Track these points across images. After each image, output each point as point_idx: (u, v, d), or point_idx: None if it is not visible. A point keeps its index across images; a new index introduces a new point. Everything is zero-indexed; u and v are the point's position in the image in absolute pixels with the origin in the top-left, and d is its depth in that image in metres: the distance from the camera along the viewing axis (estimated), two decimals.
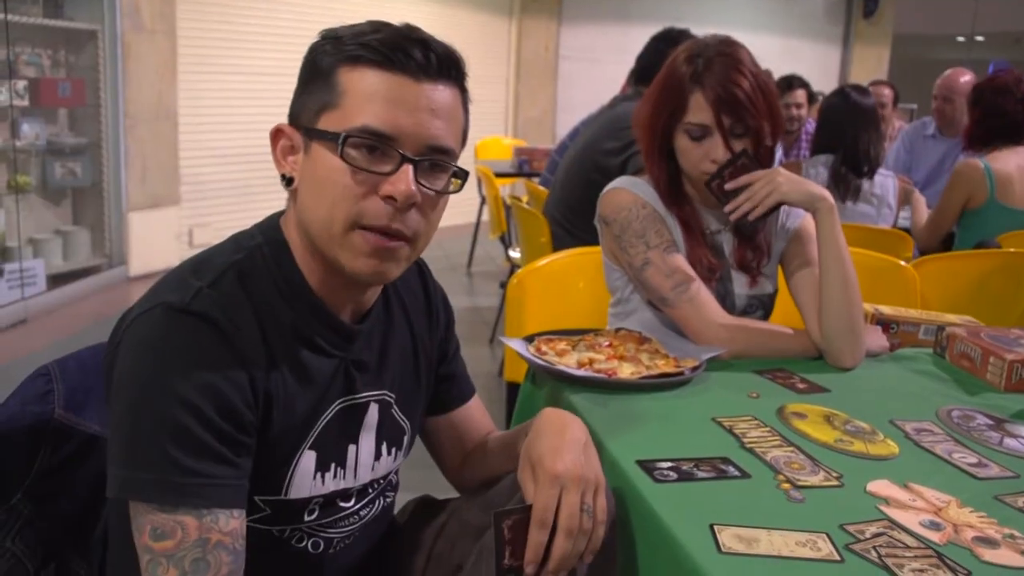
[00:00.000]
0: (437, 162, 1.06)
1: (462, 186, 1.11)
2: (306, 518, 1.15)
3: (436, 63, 1.04)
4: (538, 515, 1.02)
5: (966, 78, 4.38)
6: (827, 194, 1.65)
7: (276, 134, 1.10)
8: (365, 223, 1.03)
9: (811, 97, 5.05)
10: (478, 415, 1.41)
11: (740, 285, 1.78)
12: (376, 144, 1.02)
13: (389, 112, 1.02)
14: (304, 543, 1.17)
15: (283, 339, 1.07)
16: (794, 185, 1.64)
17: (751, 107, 1.62)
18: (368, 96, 1.02)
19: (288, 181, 1.09)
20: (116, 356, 1.02)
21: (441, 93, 1.05)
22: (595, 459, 1.10)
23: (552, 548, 1.02)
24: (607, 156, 3.14)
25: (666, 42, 3.25)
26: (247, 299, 1.05)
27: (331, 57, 1.04)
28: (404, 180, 1.02)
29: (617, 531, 1.11)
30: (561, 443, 1.08)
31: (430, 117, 1.04)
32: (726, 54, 1.65)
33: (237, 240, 1.12)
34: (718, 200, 1.67)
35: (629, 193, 1.74)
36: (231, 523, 0.99)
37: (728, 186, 1.65)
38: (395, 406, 1.23)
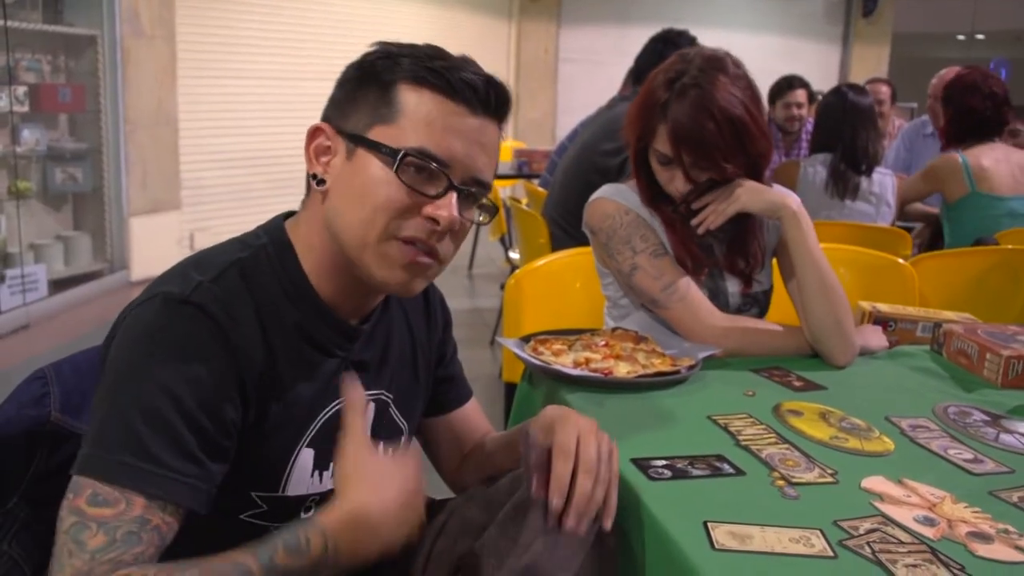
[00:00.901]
0: (476, 195, 1.09)
1: (490, 221, 1.15)
2: (302, 516, 1.15)
3: (495, 101, 1.08)
4: (560, 448, 1.04)
5: None
6: (789, 201, 1.65)
7: (315, 132, 1.10)
8: (403, 236, 1.06)
9: (811, 97, 5.04)
10: (476, 417, 1.42)
11: (734, 284, 1.78)
12: (428, 167, 1.04)
13: (446, 139, 1.05)
14: None
15: (285, 337, 1.08)
16: (754, 194, 1.64)
17: (713, 148, 1.60)
18: (427, 119, 1.04)
19: (319, 181, 1.09)
20: (111, 345, 1.03)
21: (491, 130, 1.09)
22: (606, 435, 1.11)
23: (574, 485, 1.03)
24: (605, 157, 3.14)
25: (664, 43, 3.26)
26: (249, 296, 1.06)
27: (392, 72, 1.06)
28: (449, 207, 1.05)
29: (617, 546, 1.11)
30: (576, 417, 1.10)
31: (480, 151, 1.07)
32: (700, 86, 1.61)
33: (241, 240, 1.13)
34: (687, 221, 1.69)
35: (611, 202, 1.75)
36: (173, 518, 0.97)
37: (694, 206, 1.67)
38: (392, 406, 1.24)
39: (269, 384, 1.06)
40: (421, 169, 1.04)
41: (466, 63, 1.08)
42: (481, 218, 1.12)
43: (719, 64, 1.64)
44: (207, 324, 1.00)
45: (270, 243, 1.11)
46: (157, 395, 0.96)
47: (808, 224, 1.67)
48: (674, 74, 1.65)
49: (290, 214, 1.17)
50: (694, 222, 1.67)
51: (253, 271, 1.08)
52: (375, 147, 1.05)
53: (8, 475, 1.16)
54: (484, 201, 1.12)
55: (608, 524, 1.06)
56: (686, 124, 1.60)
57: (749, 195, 1.64)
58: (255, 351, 1.04)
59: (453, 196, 1.06)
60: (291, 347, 1.09)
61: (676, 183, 1.66)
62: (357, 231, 1.06)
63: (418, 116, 1.04)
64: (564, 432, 1.06)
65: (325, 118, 1.11)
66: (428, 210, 1.05)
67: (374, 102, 1.06)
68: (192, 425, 0.97)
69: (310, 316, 1.10)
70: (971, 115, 3.31)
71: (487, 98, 1.07)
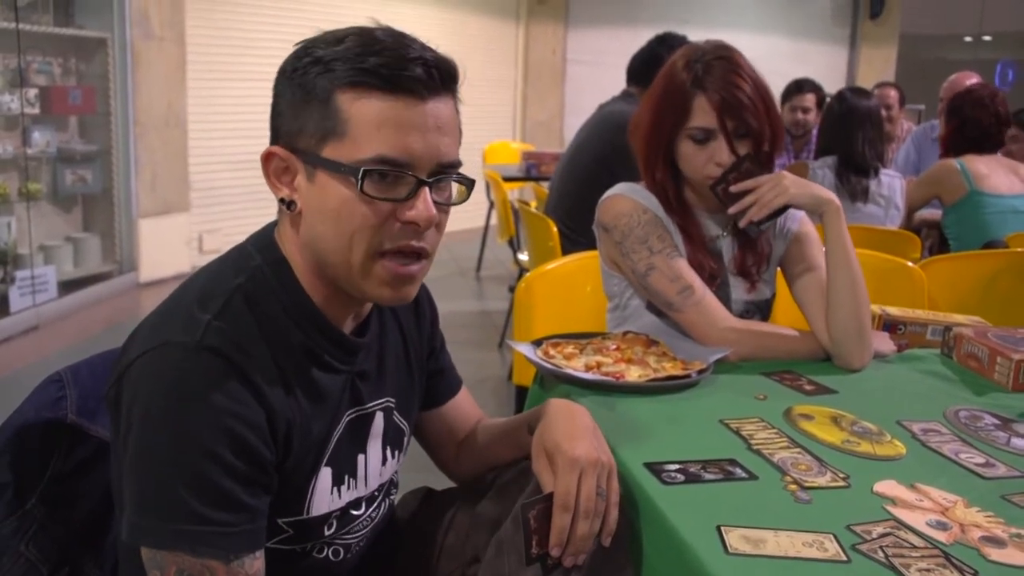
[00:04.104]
0: (448, 176, 1.06)
1: (468, 195, 1.10)
2: (326, 532, 1.16)
3: (438, 78, 1.02)
4: (561, 499, 1.04)
5: (971, 81, 4.40)
6: (833, 197, 1.66)
7: (268, 157, 1.05)
8: (386, 248, 1.04)
9: (821, 101, 4.96)
10: (467, 405, 1.43)
11: (738, 291, 1.78)
12: (392, 173, 1.01)
13: (401, 139, 1.00)
14: (325, 553, 1.18)
15: (294, 361, 1.07)
16: (801, 188, 1.65)
17: (753, 109, 1.64)
18: (376, 124, 0.99)
19: (289, 204, 1.06)
20: (122, 390, 1.00)
21: (443, 107, 1.04)
22: (604, 443, 1.13)
23: (572, 530, 1.04)
24: (594, 157, 3.22)
25: (661, 44, 3.29)
26: (256, 326, 1.03)
27: (325, 80, 1.00)
28: (424, 204, 1.02)
29: (625, 532, 1.12)
30: (574, 429, 1.11)
31: (438, 135, 1.03)
32: (724, 57, 1.67)
33: (234, 262, 1.10)
34: (722, 203, 1.68)
35: (629, 199, 1.75)
36: (255, 564, 1.00)
37: (734, 189, 1.65)
38: (395, 410, 1.25)
39: (289, 415, 1.05)
40: (385, 175, 1.00)
41: (401, 46, 1.01)
42: (458, 195, 1.09)
43: (729, 46, 1.72)
44: (224, 368, 0.98)
45: (264, 263, 1.08)
46: (196, 459, 0.95)
47: None
48: (693, 56, 1.69)
49: (277, 225, 1.13)
50: (732, 210, 1.66)
51: (255, 297, 1.05)
52: (333, 167, 1.00)
53: (26, 476, 1.17)
54: (457, 177, 1.08)
55: (607, 542, 1.07)
56: (726, 87, 1.64)
57: (797, 188, 1.64)
58: (272, 384, 1.02)
59: (425, 192, 1.02)
60: (301, 371, 1.07)
61: (720, 155, 1.66)
62: (342, 255, 1.03)
63: (366, 123, 0.99)
64: (565, 477, 1.06)
65: (275, 137, 1.06)
66: (406, 215, 1.02)
67: (318, 118, 1.01)
68: (235, 476, 0.97)
69: (313, 335, 1.09)
70: (976, 130, 3.43)
71: (431, 80, 1.01)
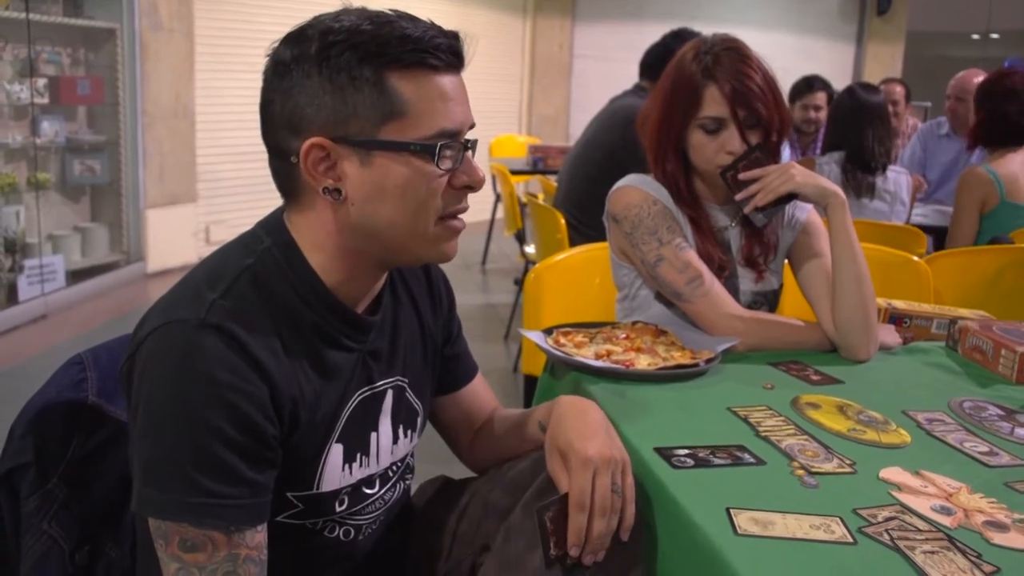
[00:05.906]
0: (476, 141, 1.13)
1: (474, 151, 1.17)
2: (337, 508, 1.18)
3: (461, 52, 1.09)
4: (576, 499, 1.06)
5: (979, 79, 4.38)
6: (839, 190, 1.68)
7: (309, 150, 1.04)
8: (449, 212, 1.10)
9: (830, 99, 4.93)
10: (483, 391, 1.45)
11: (746, 281, 1.81)
12: (453, 143, 1.07)
13: (453, 111, 1.07)
14: (336, 532, 1.20)
15: (303, 339, 1.09)
16: (807, 178, 1.67)
17: (763, 99, 1.67)
18: (429, 100, 1.05)
19: (334, 193, 1.06)
20: (133, 368, 1.03)
21: (459, 76, 1.11)
22: (617, 440, 1.14)
23: (589, 529, 1.06)
24: (603, 151, 3.23)
25: (675, 39, 3.29)
26: (263, 304, 1.06)
27: (370, 65, 1.03)
28: (475, 168, 1.11)
29: (639, 524, 1.14)
30: (585, 427, 1.12)
31: (467, 102, 1.10)
32: (733, 48, 1.70)
33: (244, 244, 1.12)
34: (730, 189, 1.70)
35: (639, 191, 1.77)
36: (256, 537, 1.03)
37: (742, 176, 1.68)
38: (408, 389, 1.27)
39: (295, 391, 1.07)
40: (449, 147, 1.06)
41: (421, 24, 1.06)
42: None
43: (736, 38, 1.75)
44: (228, 345, 1.00)
45: (274, 245, 1.10)
46: (199, 433, 0.97)
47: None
48: (702, 47, 1.72)
49: (286, 211, 1.14)
50: (739, 196, 1.69)
51: (264, 277, 1.08)
52: (399, 147, 1.04)
53: (48, 456, 1.19)
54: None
55: (625, 537, 1.09)
56: (737, 77, 1.67)
57: (803, 177, 1.68)
58: (278, 360, 1.05)
59: (470, 155, 1.10)
60: (309, 349, 1.10)
61: (730, 144, 1.69)
62: (406, 229, 1.08)
63: (423, 101, 1.04)
64: (579, 477, 1.07)
65: (296, 130, 1.05)
66: (463, 180, 1.09)
67: (370, 103, 1.03)
68: (238, 450, 0.99)
69: (324, 314, 1.11)
70: (1005, 121, 3.30)
71: (456, 53, 1.08)
